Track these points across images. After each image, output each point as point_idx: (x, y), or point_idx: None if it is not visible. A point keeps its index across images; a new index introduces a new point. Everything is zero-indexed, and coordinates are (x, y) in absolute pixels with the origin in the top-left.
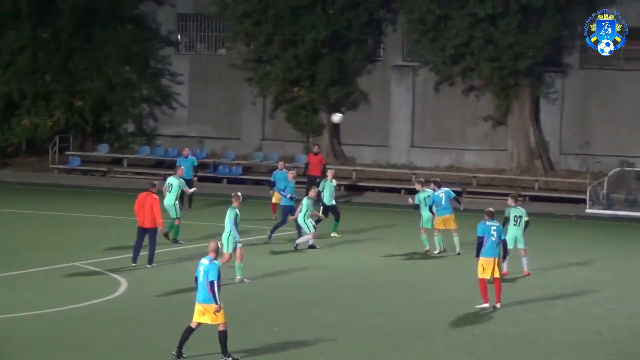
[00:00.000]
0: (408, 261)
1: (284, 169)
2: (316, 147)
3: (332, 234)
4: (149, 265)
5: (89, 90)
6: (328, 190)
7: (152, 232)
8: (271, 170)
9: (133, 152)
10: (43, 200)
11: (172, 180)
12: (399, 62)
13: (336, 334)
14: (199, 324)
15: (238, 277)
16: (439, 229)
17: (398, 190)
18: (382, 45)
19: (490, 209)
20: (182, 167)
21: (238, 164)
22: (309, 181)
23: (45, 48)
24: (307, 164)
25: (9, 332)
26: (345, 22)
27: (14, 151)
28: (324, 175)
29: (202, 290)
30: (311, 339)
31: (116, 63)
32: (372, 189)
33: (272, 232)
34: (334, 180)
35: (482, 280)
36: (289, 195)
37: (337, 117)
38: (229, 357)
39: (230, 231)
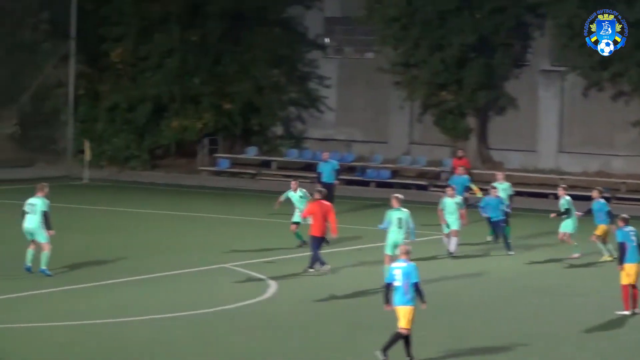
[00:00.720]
0: (551, 265)
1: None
2: (460, 151)
3: (488, 237)
4: (310, 270)
5: (237, 93)
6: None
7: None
8: (419, 174)
9: (281, 154)
10: (192, 202)
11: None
12: (546, 67)
13: (480, 339)
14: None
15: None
16: (598, 236)
17: (545, 196)
18: (529, 50)
19: (625, 215)
20: None
21: (386, 167)
22: None
23: (194, 51)
24: (452, 169)
25: (158, 333)
26: (493, 27)
27: (164, 153)
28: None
29: (401, 293)
30: (454, 344)
31: (264, 66)
32: (520, 193)
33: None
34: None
35: (626, 286)
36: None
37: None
38: (384, 357)
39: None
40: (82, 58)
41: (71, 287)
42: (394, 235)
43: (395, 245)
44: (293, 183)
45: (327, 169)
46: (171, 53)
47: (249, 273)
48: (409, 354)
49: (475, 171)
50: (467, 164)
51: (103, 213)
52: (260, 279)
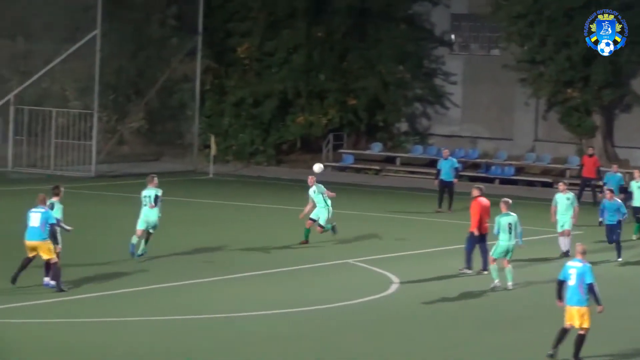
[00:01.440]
0: None
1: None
2: (590, 149)
3: (634, 236)
4: (485, 272)
5: (362, 89)
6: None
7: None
8: (543, 171)
9: (406, 151)
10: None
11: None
12: None
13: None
14: (572, 326)
15: (509, 283)
16: None
17: None
18: None
19: None
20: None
21: (510, 164)
22: (582, 183)
23: (320, 47)
24: (581, 166)
25: (278, 327)
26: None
27: (289, 148)
28: (598, 178)
29: (575, 293)
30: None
31: (390, 62)
32: None
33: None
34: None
35: None
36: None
37: (317, 167)
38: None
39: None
40: (208, 53)
41: (192, 281)
42: (505, 241)
43: (507, 251)
44: (310, 178)
45: (446, 167)
46: (297, 49)
47: (371, 269)
48: (577, 354)
49: (601, 169)
50: (597, 163)
51: (228, 207)
52: (383, 275)
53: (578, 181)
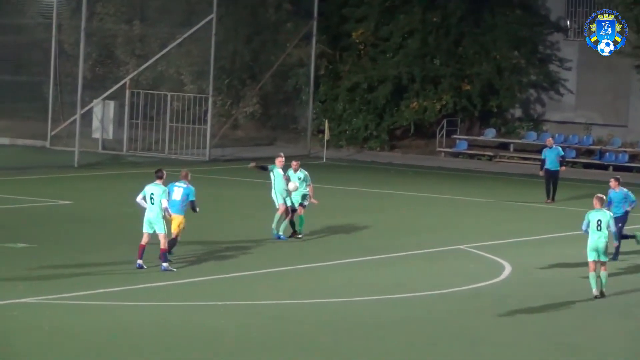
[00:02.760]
0: None
1: None
2: None
3: None
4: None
5: (477, 75)
6: None
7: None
8: None
9: (520, 137)
10: (429, 182)
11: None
12: None
13: None
14: None
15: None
16: None
17: None
18: None
19: None
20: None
21: (624, 151)
22: None
23: (435, 32)
24: None
25: (387, 311)
26: None
27: (403, 134)
28: None
29: None
30: None
31: (505, 48)
32: None
33: None
34: None
35: None
36: None
37: (292, 185)
38: None
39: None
40: (323, 38)
41: (305, 265)
42: (594, 239)
43: (596, 250)
44: (294, 163)
45: (551, 155)
46: (412, 34)
47: (484, 255)
48: None
49: None
50: None
51: (341, 193)
52: (495, 262)
53: None
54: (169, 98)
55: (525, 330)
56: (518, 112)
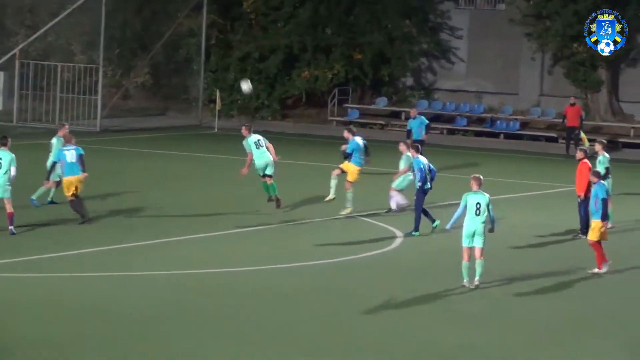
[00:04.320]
0: None
1: None
2: (572, 98)
3: None
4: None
5: (368, 44)
6: None
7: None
8: (549, 126)
9: (411, 105)
10: (321, 152)
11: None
12: None
13: None
14: None
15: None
16: None
17: None
18: None
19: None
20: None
21: (515, 119)
22: (567, 134)
23: (326, 1)
24: (564, 117)
25: (283, 281)
26: None
27: (294, 103)
28: (581, 127)
29: None
30: None
31: (396, 17)
32: None
33: None
34: None
35: None
36: None
37: (245, 86)
38: None
39: None
40: (214, 8)
41: (196, 235)
42: (474, 223)
43: (472, 236)
44: (244, 128)
45: (415, 125)
46: (303, 3)
47: (376, 224)
48: None
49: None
50: (579, 111)
51: (233, 163)
52: (387, 231)
53: None
54: (59, 69)
55: (413, 293)
56: (409, 81)
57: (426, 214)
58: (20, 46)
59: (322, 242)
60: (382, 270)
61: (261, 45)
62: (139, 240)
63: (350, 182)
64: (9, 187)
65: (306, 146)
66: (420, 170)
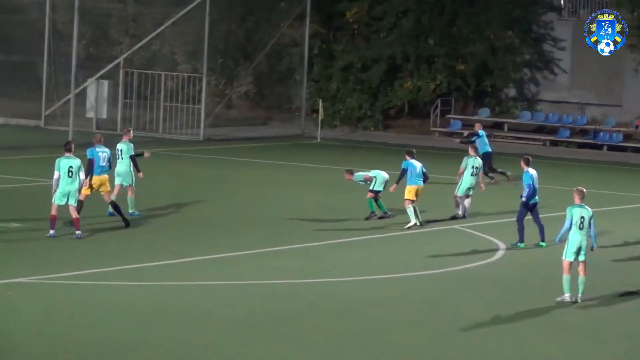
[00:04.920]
0: None
1: None
2: None
3: None
4: None
5: (471, 55)
6: None
7: None
8: None
9: (514, 116)
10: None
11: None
12: None
13: None
14: None
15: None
16: None
17: None
18: None
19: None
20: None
21: (619, 131)
22: None
23: (429, 11)
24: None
25: (384, 291)
26: None
27: (396, 113)
28: None
29: None
30: None
31: (499, 27)
32: None
33: None
34: None
35: None
36: None
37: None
38: None
39: None
40: (317, 17)
41: (305, 244)
42: (577, 238)
43: (577, 251)
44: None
45: (481, 139)
46: (406, 13)
47: (479, 235)
48: None
49: None
50: None
51: (336, 172)
52: (489, 241)
53: None
54: (162, 78)
55: (521, 312)
56: (512, 92)
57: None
58: (125, 55)
59: (425, 254)
60: (484, 282)
61: (363, 55)
62: (240, 250)
63: (408, 199)
64: (77, 194)
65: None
66: (529, 186)
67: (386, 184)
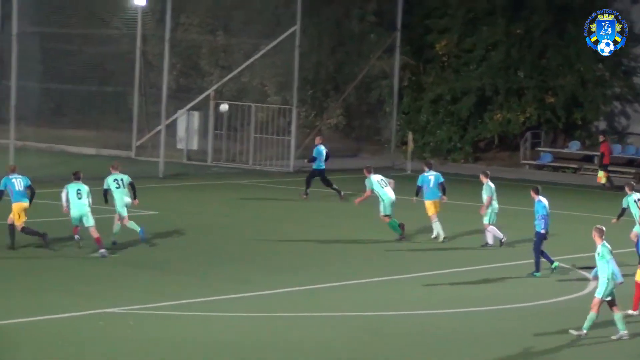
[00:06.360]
0: None
1: None
2: None
3: None
4: None
5: (560, 87)
6: None
7: None
8: None
9: None
10: (513, 195)
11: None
12: None
13: None
14: None
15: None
16: None
17: None
18: None
19: None
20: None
21: None
22: None
23: (518, 44)
24: None
25: (472, 324)
26: None
27: (486, 145)
28: None
29: None
30: None
31: (588, 60)
32: None
33: None
34: None
35: None
36: None
37: (222, 107)
38: None
39: None
40: (406, 49)
41: (387, 277)
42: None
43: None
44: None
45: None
46: (495, 46)
47: (569, 268)
48: None
49: None
50: None
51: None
52: (580, 275)
53: None
54: (253, 109)
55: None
56: (602, 125)
57: (544, 255)
58: (215, 87)
59: (509, 287)
60: (569, 315)
61: (453, 87)
62: (330, 282)
63: (431, 215)
64: (91, 215)
65: (498, 189)
66: (544, 217)
67: (393, 205)
